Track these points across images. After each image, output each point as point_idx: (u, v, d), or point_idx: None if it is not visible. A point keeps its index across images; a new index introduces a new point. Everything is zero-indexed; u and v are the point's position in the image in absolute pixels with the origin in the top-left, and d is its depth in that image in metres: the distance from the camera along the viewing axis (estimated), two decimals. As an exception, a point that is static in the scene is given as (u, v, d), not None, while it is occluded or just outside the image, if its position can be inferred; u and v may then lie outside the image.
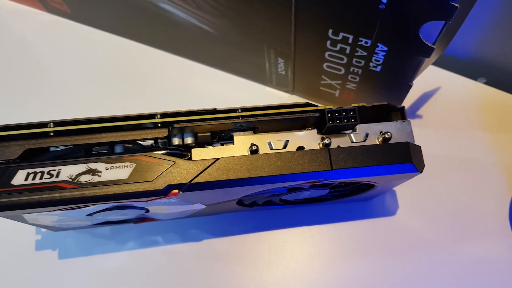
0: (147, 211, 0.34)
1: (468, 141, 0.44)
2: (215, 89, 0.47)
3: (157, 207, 0.33)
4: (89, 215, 0.33)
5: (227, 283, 0.40)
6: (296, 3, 0.32)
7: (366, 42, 0.33)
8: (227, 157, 0.29)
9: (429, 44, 0.30)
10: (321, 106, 0.31)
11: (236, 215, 0.42)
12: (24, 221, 0.32)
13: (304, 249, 0.41)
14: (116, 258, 0.41)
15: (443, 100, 0.46)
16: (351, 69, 0.37)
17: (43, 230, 0.41)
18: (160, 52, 0.49)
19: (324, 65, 0.38)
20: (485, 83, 0.47)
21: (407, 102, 0.45)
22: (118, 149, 0.31)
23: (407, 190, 0.42)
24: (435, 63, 0.47)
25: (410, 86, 0.36)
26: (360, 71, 0.37)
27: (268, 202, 0.38)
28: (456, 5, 0.26)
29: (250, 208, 0.39)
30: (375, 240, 0.41)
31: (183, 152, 0.30)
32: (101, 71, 0.48)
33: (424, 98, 0.46)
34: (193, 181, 0.28)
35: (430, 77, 0.46)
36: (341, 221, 0.42)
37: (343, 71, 0.38)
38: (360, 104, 0.31)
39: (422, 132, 0.44)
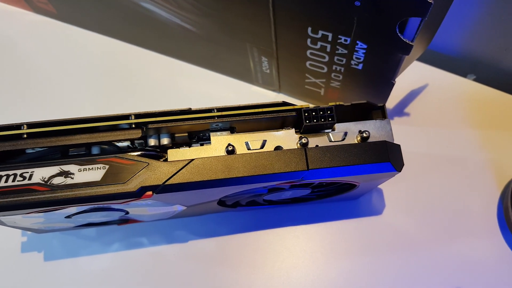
0: (127, 212, 0.34)
1: (457, 139, 0.44)
2: (202, 88, 0.47)
3: (136, 209, 0.33)
4: (68, 217, 0.33)
5: (213, 284, 0.39)
6: (273, 1, 0.32)
7: (345, 40, 0.32)
8: (201, 158, 0.28)
9: (407, 41, 0.29)
10: (298, 105, 0.30)
11: (222, 216, 0.41)
12: (2, 223, 0.32)
13: (290, 249, 0.40)
14: (101, 260, 0.41)
15: (432, 97, 0.45)
16: (334, 67, 0.37)
17: (29, 232, 0.41)
18: (147, 51, 0.48)
19: (307, 63, 0.38)
20: (475, 79, 0.46)
21: (394, 100, 0.45)
22: (95, 150, 0.30)
23: (394, 189, 0.42)
24: (423, 60, 0.46)
25: (393, 84, 0.35)
26: (342, 69, 0.36)
27: (251, 202, 0.38)
28: (430, 1, 0.26)
29: (234, 209, 0.39)
30: (362, 240, 0.40)
31: (159, 153, 0.30)
32: (88, 71, 0.48)
33: (412, 95, 0.45)
34: (167, 183, 0.27)
35: (418, 74, 0.46)
36: (327, 221, 0.41)
37: (326, 69, 0.37)
38: (338, 103, 0.30)
39: (410, 130, 0.44)
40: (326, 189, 0.35)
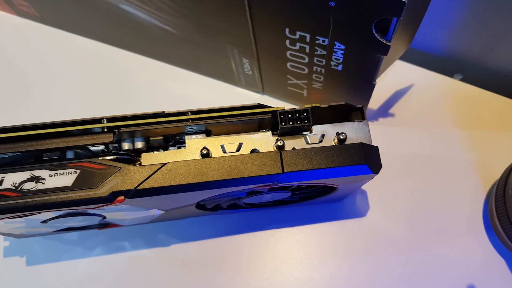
0: (105, 217, 0.33)
1: (443, 139, 0.43)
2: (186, 91, 0.46)
3: (112, 214, 0.32)
4: (44, 222, 0.32)
5: (194, 289, 0.39)
6: (249, 2, 0.31)
7: (323, 41, 0.32)
8: (174, 162, 0.28)
9: (384, 42, 0.29)
10: (274, 108, 0.30)
11: (204, 219, 0.41)
12: (-23, 229, 0.31)
13: (273, 252, 0.40)
14: (83, 264, 0.40)
15: (417, 98, 0.45)
16: (314, 68, 0.36)
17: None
18: (131, 54, 0.48)
19: (288, 64, 0.37)
20: (462, 79, 0.46)
21: (379, 101, 0.44)
22: (69, 154, 0.30)
23: (378, 190, 0.41)
24: (409, 60, 0.46)
25: (374, 85, 0.35)
26: (322, 70, 0.36)
27: (232, 205, 0.37)
28: (404, 0, 0.25)
29: (215, 212, 0.38)
30: (346, 242, 0.40)
31: (133, 157, 0.29)
32: (72, 74, 0.48)
33: (397, 96, 0.45)
34: (138, 187, 0.27)
35: (404, 74, 0.45)
36: (311, 223, 0.41)
37: (306, 70, 0.37)
38: (314, 105, 0.30)
39: (395, 131, 0.43)
40: (307, 191, 0.35)
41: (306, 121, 0.29)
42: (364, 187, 0.42)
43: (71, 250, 0.41)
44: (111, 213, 0.32)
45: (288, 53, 0.36)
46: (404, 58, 0.46)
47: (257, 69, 0.40)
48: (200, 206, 0.35)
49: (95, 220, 0.35)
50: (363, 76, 0.34)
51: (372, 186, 0.41)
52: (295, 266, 0.39)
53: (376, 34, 0.29)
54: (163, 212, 0.34)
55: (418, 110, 0.44)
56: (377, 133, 0.43)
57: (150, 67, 0.47)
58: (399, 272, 0.39)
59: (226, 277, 0.39)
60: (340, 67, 0.34)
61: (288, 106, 0.44)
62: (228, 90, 0.46)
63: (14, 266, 0.40)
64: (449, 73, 0.46)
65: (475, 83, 0.45)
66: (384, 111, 0.44)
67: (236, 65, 0.41)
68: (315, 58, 0.35)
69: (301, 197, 0.37)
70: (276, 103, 0.45)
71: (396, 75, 0.45)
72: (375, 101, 0.44)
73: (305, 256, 0.40)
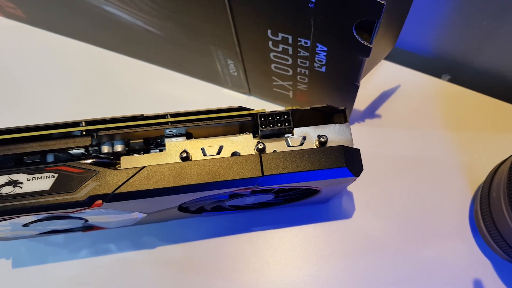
0: (87, 220, 0.33)
1: (430, 140, 0.43)
2: (172, 92, 0.46)
3: (94, 217, 0.32)
4: (26, 225, 0.32)
5: (179, 291, 0.39)
6: (230, 4, 0.31)
7: (305, 43, 0.32)
8: (153, 165, 0.28)
9: (365, 43, 0.29)
10: (254, 110, 0.30)
11: (190, 221, 0.41)
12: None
13: (259, 254, 0.40)
14: (69, 267, 0.40)
15: (405, 98, 0.44)
16: (298, 70, 0.36)
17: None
18: (118, 55, 0.48)
19: (272, 66, 0.37)
20: (450, 80, 0.45)
21: (366, 102, 0.44)
22: (49, 158, 0.30)
23: (365, 192, 0.41)
24: (396, 61, 0.45)
25: (358, 86, 0.35)
26: (307, 72, 0.36)
27: (217, 207, 0.37)
28: (382, 2, 0.25)
29: (199, 215, 0.38)
30: (332, 244, 0.40)
31: (113, 160, 0.29)
32: (58, 75, 0.47)
33: (384, 97, 0.44)
34: (116, 191, 0.27)
35: (391, 75, 0.45)
36: (296, 225, 0.41)
37: (291, 72, 0.37)
38: (295, 107, 0.30)
39: (382, 132, 0.43)
40: (290, 194, 0.35)
41: (286, 124, 0.29)
42: (350, 188, 0.41)
43: (57, 253, 0.41)
44: (92, 216, 0.32)
45: (271, 54, 0.35)
46: (391, 59, 0.46)
47: (242, 71, 0.40)
48: (183, 208, 0.34)
49: (78, 223, 0.34)
50: (346, 77, 0.34)
51: (359, 188, 0.41)
52: (280, 268, 0.39)
53: (357, 36, 0.29)
54: (145, 215, 0.33)
55: (406, 111, 0.44)
56: (364, 134, 0.43)
57: (137, 68, 0.47)
58: (384, 274, 0.39)
59: (212, 279, 0.39)
60: (323, 69, 0.34)
61: (274, 107, 0.44)
62: (214, 91, 0.46)
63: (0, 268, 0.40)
64: (437, 74, 0.46)
65: (463, 83, 0.44)
66: (371, 112, 0.44)
67: (222, 66, 0.41)
68: (299, 60, 0.35)
69: (286, 199, 0.37)
70: (262, 104, 0.45)
71: (383, 76, 0.45)
72: (362, 102, 0.44)
73: (291, 258, 0.40)
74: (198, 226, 0.41)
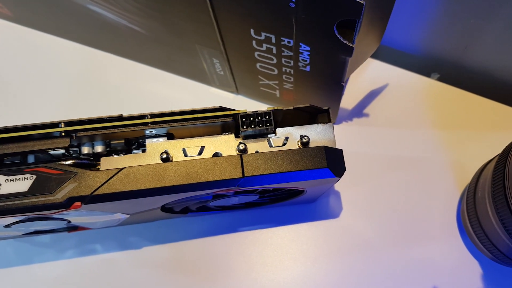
0: (69, 221, 0.33)
1: (419, 139, 0.43)
2: (160, 91, 0.46)
3: (76, 218, 0.32)
4: (7, 226, 0.32)
5: (165, 291, 0.39)
6: (212, 3, 0.31)
7: (288, 42, 0.32)
8: (132, 166, 0.27)
9: (346, 43, 0.29)
10: (235, 111, 0.29)
11: (177, 222, 0.41)
12: None
13: (246, 254, 0.40)
14: (55, 267, 0.40)
15: (392, 97, 0.44)
16: (283, 69, 0.36)
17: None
18: (105, 54, 0.47)
19: (257, 65, 0.37)
20: (439, 78, 0.45)
21: (354, 101, 0.44)
22: (30, 159, 0.30)
23: (352, 191, 0.41)
24: (384, 60, 0.45)
25: (342, 86, 0.34)
26: (291, 71, 0.35)
27: (202, 208, 0.37)
28: (361, 2, 0.25)
29: (184, 215, 0.38)
30: (318, 243, 0.40)
31: (93, 161, 0.29)
32: (45, 74, 0.47)
33: (372, 96, 0.44)
34: (95, 193, 0.27)
35: (379, 74, 0.45)
36: (284, 225, 0.40)
37: (276, 71, 0.37)
38: (276, 108, 0.29)
39: (369, 131, 0.43)
40: (275, 194, 0.34)
41: (268, 124, 0.29)
42: (337, 188, 0.41)
43: (44, 253, 0.41)
44: (74, 217, 0.31)
45: (256, 53, 0.35)
46: (379, 57, 0.45)
47: (228, 70, 0.40)
48: (166, 209, 0.34)
49: (62, 224, 0.34)
50: (331, 77, 0.34)
51: (346, 187, 0.41)
52: (268, 268, 0.39)
53: (338, 36, 0.28)
54: (128, 216, 0.33)
55: (394, 110, 0.44)
56: (351, 133, 0.43)
57: (124, 67, 0.47)
58: (371, 273, 0.39)
59: (198, 280, 0.39)
60: (308, 68, 0.34)
61: (262, 106, 0.43)
62: (202, 90, 0.46)
63: (-15, 269, 0.40)
64: (426, 73, 0.45)
65: (452, 82, 0.44)
66: (359, 111, 0.44)
67: (208, 65, 0.41)
68: (283, 59, 0.34)
69: (271, 199, 0.37)
70: (250, 103, 0.45)
71: (371, 74, 0.45)
72: (349, 101, 0.44)
73: (278, 258, 0.39)
74: (184, 226, 0.40)
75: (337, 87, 0.35)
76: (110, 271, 0.40)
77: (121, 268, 0.40)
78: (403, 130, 0.43)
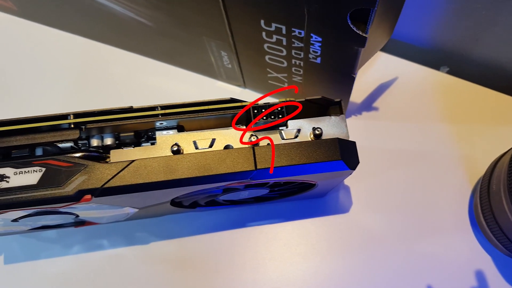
0: (77, 216, 0.32)
1: (429, 133, 0.42)
2: (165, 84, 0.45)
3: (84, 212, 0.31)
4: (15, 220, 0.31)
5: (173, 287, 0.38)
6: (222, -7, 0.30)
7: (299, 33, 0.31)
8: (143, 159, 0.27)
9: (360, 33, 0.28)
10: (247, 102, 0.29)
11: (184, 217, 0.40)
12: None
13: (255, 249, 0.39)
14: (61, 263, 0.40)
15: (402, 91, 0.44)
16: (293, 61, 0.35)
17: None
18: (110, 47, 0.47)
19: (266, 57, 0.36)
20: (448, 72, 0.45)
21: (363, 94, 0.43)
22: (38, 151, 0.29)
23: (362, 186, 0.40)
24: (393, 53, 0.45)
25: (354, 78, 0.34)
26: (301, 63, 0.35)
27: (211, 202, 0.36)
28: (377, -10, 0.24)
29: (193, 209, 0.38)
30: (328, 239, 0.39)
31: (102, 154, 0.29)
32: (49, 67, 0.47)
33: (382, 89, 0.44)
34: (105, 186, 0.26)
35: (388, 67, 0.44)
36: (293, 220, 0.40)
37: (285, 63, 0.36)
38: (288, 99, 0.29)
39: (379, 125, 0.42)
40: (286, 188, 0.34)
41: (280, 116, 0.28)
42: (347, 182, 0.41)
43: (50, 248, 0.40)
44: (83, 211, 0.31)
45: (265, 45, 0.35)
46: (388, 50, 0.45)
47: (236, 62, 0.39)
48: (176, 203, 0.34)
49: (69, 219, 0.34)
50: (342, 69, 0.33)
51: (356, 182, 0.40)
52: (276, 264, 0.39)
53: (352, 26, 0.28)
54: (137, 210, 0.33)
55: (403, 104, 0.43)
56: (360, 127, 0.42)
57: (130, 61, 0.46)
58: (382, 268, 0.38)
59: (206, 275, 0.39)
60: (318, 60, 0.33)
61: (270, 100, 0.43)
62: (208, 84, 0.45)
63: (-9, 265, 0.40)
64: (435, 66, 0.45)
65: (462, 75, 0.44)
66: (368, 104, 0.43)
67: (215, 58, 0.40)
68: (293, 51, 0.34)
69: (281, 194, 0.36)
70: (257, 97, 0.44)
71: (380, 68, 0.45)
72: (359, 95, 0.43)
73: (287, 254, 0.39)
74: (192, 221, 0.40)
75: (348, 80, 0.34)
76: (117, 266, 0.39)
77: (128, 263, 0.39)
78: (412, 124, 0.43)
